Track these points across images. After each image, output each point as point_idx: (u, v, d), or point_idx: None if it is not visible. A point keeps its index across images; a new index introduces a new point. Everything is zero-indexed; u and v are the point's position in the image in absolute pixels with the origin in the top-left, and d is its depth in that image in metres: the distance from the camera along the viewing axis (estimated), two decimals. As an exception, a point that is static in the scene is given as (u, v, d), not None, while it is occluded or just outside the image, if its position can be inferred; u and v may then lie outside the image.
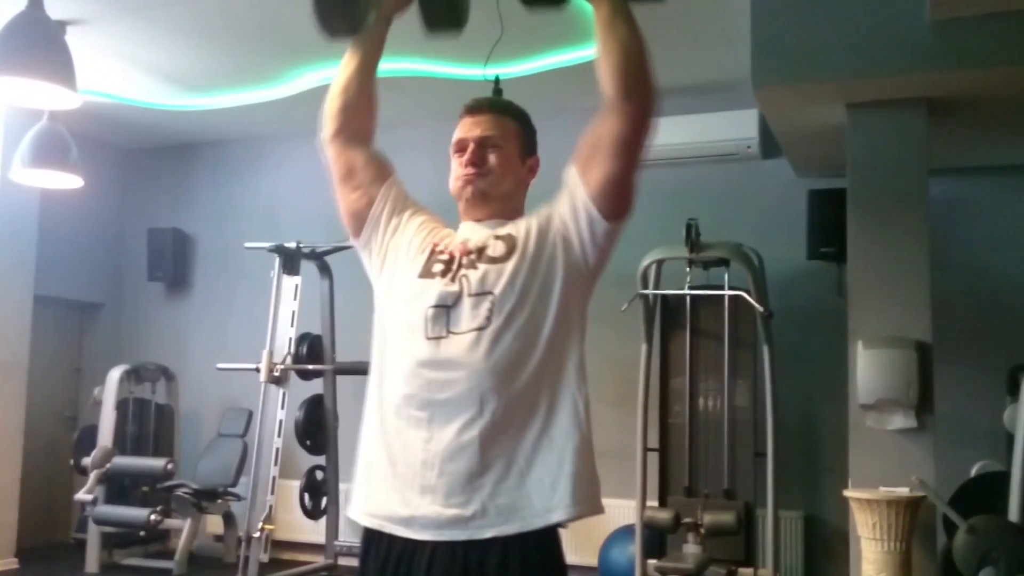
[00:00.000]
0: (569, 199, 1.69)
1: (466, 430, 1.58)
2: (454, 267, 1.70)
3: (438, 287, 1.68)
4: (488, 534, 1.57)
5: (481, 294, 1.64)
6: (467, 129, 1.78)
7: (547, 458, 1.59)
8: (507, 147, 1.77)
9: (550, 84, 4.94)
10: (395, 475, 1.64)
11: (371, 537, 1.68)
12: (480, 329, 1.61)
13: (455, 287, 1.66)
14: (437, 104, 5.21)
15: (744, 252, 4.39)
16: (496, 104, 1.84)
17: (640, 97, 1.63)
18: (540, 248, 1.68)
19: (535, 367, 1.62)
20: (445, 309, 1.65)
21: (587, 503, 1.62)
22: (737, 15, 3.98)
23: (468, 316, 1.63)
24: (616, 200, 1.67)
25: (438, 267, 1.71)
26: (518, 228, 1.72)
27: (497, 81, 4.21)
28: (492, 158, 1.76)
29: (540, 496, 1.58)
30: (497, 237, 1.71)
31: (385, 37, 1.90)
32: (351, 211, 1.85)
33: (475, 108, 1.80)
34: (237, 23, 4.57)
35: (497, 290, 1.64)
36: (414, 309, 1.68)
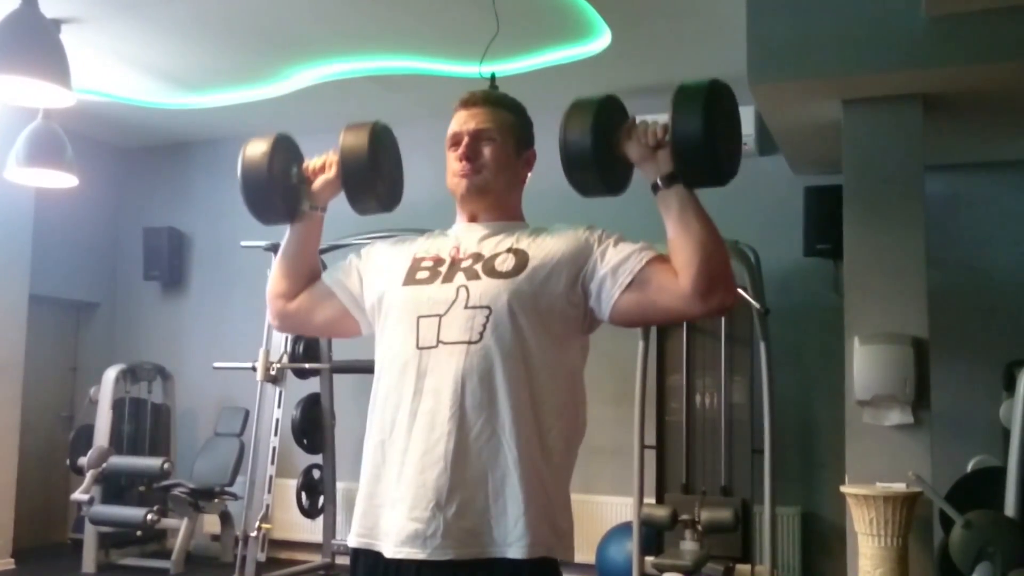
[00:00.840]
0: (596, 278, 1.63)
1: (440, 443, 1.55)
2: (444, 270, 1.67)
3: (427, 292, 1.65)
4: (447, 556, 1.53)
5: (478, 307, 1.60)
6: (461, 122, 1.75)
7: (515, 491, 1.54)
8: (502, 140, 1.74)
9: (546, 81, 4.93)
10: (379, 488, 1.62)
11: (357, 555, 1.66)
12: (471, 343, 1.58)
13: (451, 293, 1.63)
14: (433, 102, 5.20)
15: (740, 249, 4.40)
16: (490, 97, 1.80)
17: (720, 299, 1.57)
18: (551, 278, 1.62)
19: (520, 394, 1.57)
20: (437, 318, 1.61)
21: (545, 546, 1.56)
22: (733, 12, 3.97)
23: (461, 328, 1.59)
24: (630, 325, 1.69)
25: (423, 274, 1.69)
26: (534, 246, 1.67)
27: (493, 79, 4.21)
28: (487, 151, 1.72)
29: (500, 527, 1.54)
30: (511, 250, 1.67)
31: (321, 223, 1.90)
32: (355, 330, 1.85)
33: (469, 101, 1.77)
34: (232, 21, 4.56)
35: (495, 306, 1.59)
36: (403, 318, 1.66)
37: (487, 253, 1.67)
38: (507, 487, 1.55)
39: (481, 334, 1.58)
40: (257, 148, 1.86)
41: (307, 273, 1.88)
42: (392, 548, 1.57)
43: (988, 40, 3.56)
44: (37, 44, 3.50)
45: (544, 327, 1.61)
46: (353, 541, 1.65)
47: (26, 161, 4.50)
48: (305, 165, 1.89)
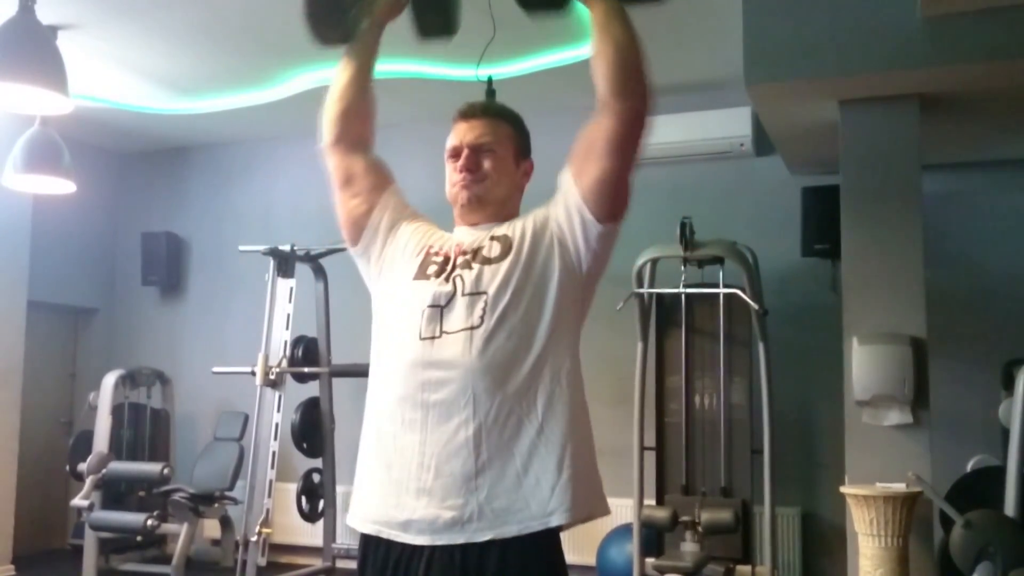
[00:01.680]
0: (563, 201, 1.69)
1: (460, 431, 1.58)
2: (448, 267, 1.70)
3: (432, 287, 1.68)
4: (485, 537, 1.56)
5: (475, 294, 1.64)
6: (461, 135, 1.78)
7: (544, 460, 1.58)
8: (501, 151, 1.77)
9: (543, 84, 4.94)
10: (391, 479, 1.63)
11: (368, 543, 1.67)
12: (473, 328, 1.61)
13: (449, 287, 1.66)
14: (430, 105, 5.20)
15: (738, 250, 4.40)
16: (489, 108, 1.84)
17: (634, 96, 1.63)
18: (535, 249, 1.68)
19: (529, 368, 1.61)
20: (439, 309, 1.64)
21: (586, 507, 1.61)
22: (729, 13, 3.98)
23: (461, 316, 1.63)
24: (609, 202, 1.66)
25: (432, 268, 1.71)
26: (514, 229, 1.72)
27: (490, 82, 4.21)
28: (487, 163, 1.76)
29: (537, 499, 1.57)
30: (493, 238, 1.71)
31: (379, 43, 1.90)
32: (350, 218, 1.84)
33: (468, 113, 1.80)
34: (229, 26, 4.56)
35: (491, 290, 1.63)
36: (409, 311, 1.68)
37: (475, 246, 1.72)
38: (535, 460, 1.58)
39: (482, 317, 1.62)
40: None
41: (366, 91, 1.87)
42: (426, 537, 1.58)
43: (984, 40, 3.56)
44: (34, 51, 3.50)
45: (542, 298, 1.65)
46: (366, 528, 1.67)
47: (24, 168, 4.50)
48: None
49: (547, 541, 1.59)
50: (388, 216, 1.82)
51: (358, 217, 1.83)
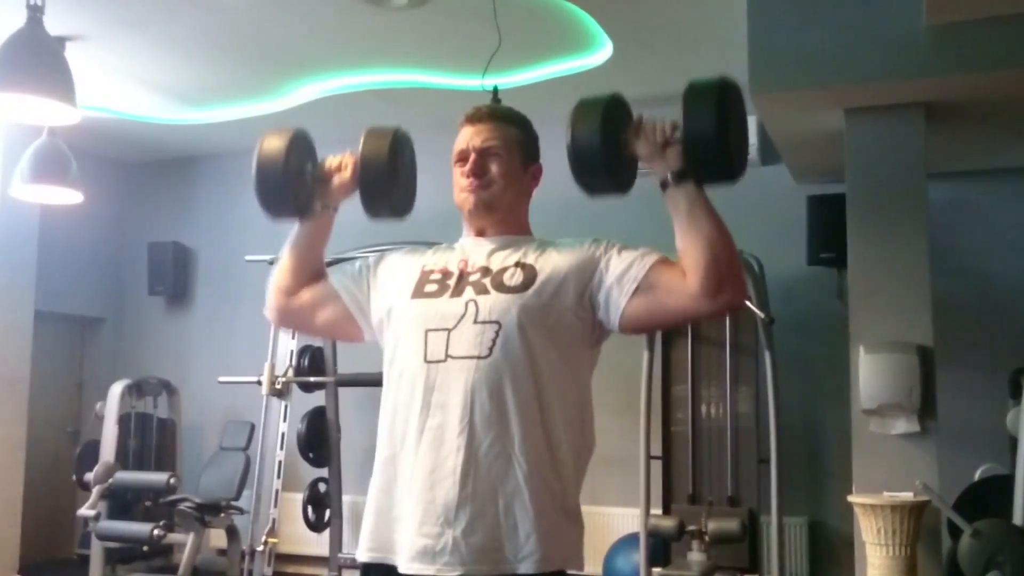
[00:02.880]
0: (603, 290, 1.63)
1: (450, 458, 1.55)
2: (452, 283, 1.67)
3: (436, 305, 1.65)
4: (455, 572, 1.53)
5: (488, 322, 1.60)
6: (467, 138, 1.75)
7: (526, 506, 1.54)
8: (508, 155, 1.74)
9: (549, 94, 4.94)
10: (390, 503, 1.62)
11: (369, 569, 1.66)
12: (480, 358, 1.57)
13: (459, 308, 1.63)
14: (436, 115, 5.18)
15: (744, 259, 4.39)
16: (496, 112, 1.81)
17: (728, 297, 1.57)
18: (559, 292, 1.63)
19: (529, 409, 1.57)
20: (446, 332, 1.61)
21: (556, 560, 1.57)
22: (734, 22, 3.98)
23: (470, 343, 1.59)
24: (639, 331, 1.68)
25: (432, 287, 1.68)
26: (542, 261, 1.67)
27: (496, 91, 4.22)
28: (493, 167, 1.73)
29: (512, 543, 1.54)
30: (519, 264, 1.66)
31: (331, 223, 1.89)
32: (357, 335, 1.83)
33: (475, 117, 1.77)
34: (235, 37, 4.58)
35: (505, 321, 1.59)
36: (411, 331, 1.65)
37: (495, 267, 1.67)
38: (517, 502, 1.55)
39: (491, 349, 1.58)
40: (274, 142, 1.84)
41: (313, 271, 1.87)
42: (404, 563, 1.57)
43: (989, 48, 3.56)
44: (42, 62, 3.51)
45: (553, 341, 1.61)
46: (363, 556, 1.65)
47: (31, 178, 4.51)
48: (321, 163, 1.87)
49: None
50: (363, 298, 1.80)
51: (360, 327, 1.81)
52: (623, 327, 1.63)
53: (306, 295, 1.86)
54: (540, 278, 1.64)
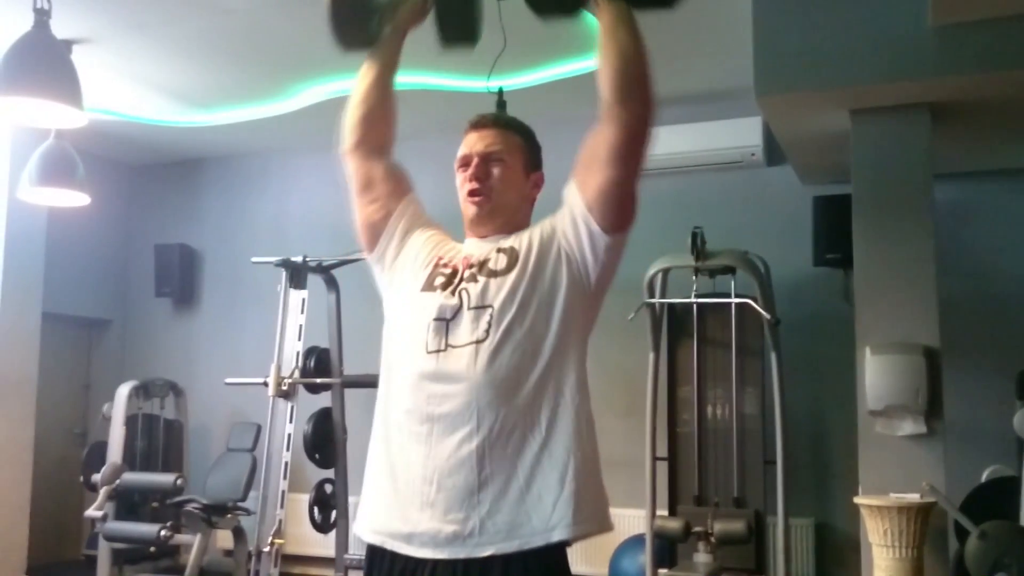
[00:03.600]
0: (569, 213, 1.68)
1: (464, 444, 1.58)
2: (455, 280, 1.70)
3: (439, 300, 1.68)
4: (487, 552, 1.55)
5: (480, 307, 1.63)
6: (471, 144, 1.78)
7: (548, 475, 1.57)
8: (511, 162, 1.77)
9: (554, 96, 4.95)
10: (396, 491, 1.64)
11: (374, 553, 1.68)
12: (478, 342, 1.61)
13: (455, 300, 1.66)
14: (440, 117, 5.21)
15: (750, 260, 4.39)
16: (500, 119, 1.84)
17: (637, 103, 1.61)
18: (541, 262, 1.67)
19: (535, 382, 1.60)
20: (445, 322, 1.64)
21: (589, 523, 1.59)
22: (739, 23, 3.98)
23: (467, 329, 1.62)
24: (615, 212, 1.64)
25: (440, 280, 1.71)
26: (520, 241, 1.71)
27: (501, 93, 4.22)
28: (496, 173, 1.75)
29: (540, 514, 1.56)
30: (500, 250, 1.71)
31: (401, 49, 1.91)
32: (368, 223, 1.85)
33: (479, 123, 1.81)
34: (241, 39, 4.59)
35: (496, 303, 1.63)
36: (416, 323, 1.68)
37: (482, 258, 1.71)
38: (538, 475, 1.58)
39: (487, 331, 1.61)
40: None
41: (385, 102, 1.90)
42: (429, 550, 1.58)
43: (994, 48, 3.56)
44: (49, 65, 3.53)
45: (548, 311, 1.64)
46: (372, 538, 1.67)
47: (39, 181, 4.53)
48: None
49: (551, 557, 1.58)
50: (403, 223, 1.83)
51: (375, 223, 1.84)
52: (593, 210, 1.64)
53: (389, 160, 1.88)
54: (521, 256, 1.68)
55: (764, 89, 3.87)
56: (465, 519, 1.56)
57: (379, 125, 1.89)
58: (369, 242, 1.85)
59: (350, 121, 1.88)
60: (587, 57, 4.67)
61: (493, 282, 1.66)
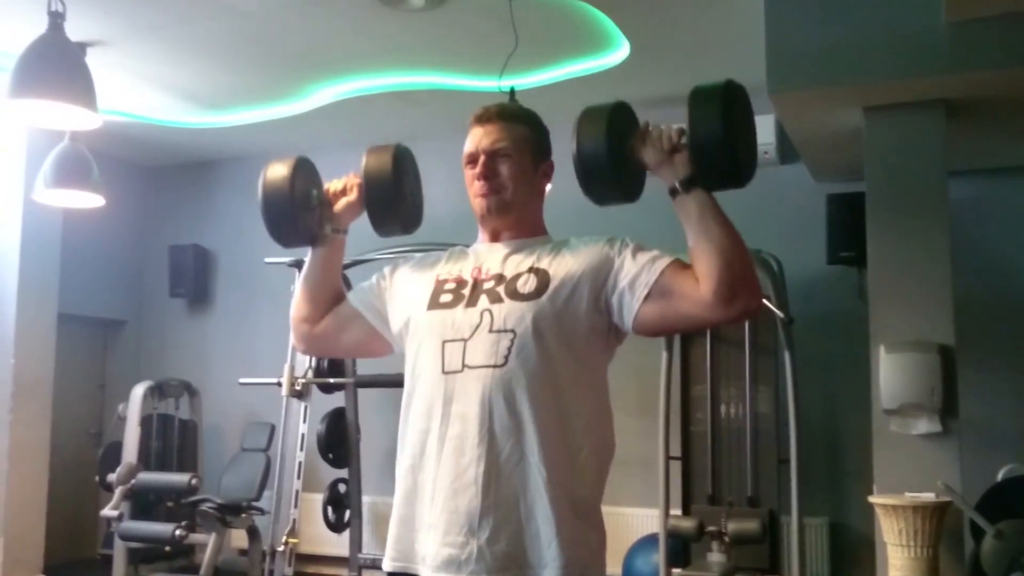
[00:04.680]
0: (616, 293, 1.62)
1: (470, 468, 1.56)
2: (467, 293, 1.67)
3: (452, 316, 1.65)
4: None
5: (502, 331, 1.60)
6: (476, 140, 1.74)
7: (547, 512, 1.55)
8: (518, 155, 1.73)
9: (566, 94, 4.94)
10: (412, 513, 1.63)
11: None
12: (496, 367, 1.58)
13: (474, 318, 1.63)
14: (454, 116, 5.19)
15: (763, 258, 4.38)
16: (504, 111, 1.79)
17: (743, 304, 1.55)
18: (572, 297, 1.62)
19: (549, 415, 1.57)
20: (462, 343, 1.61)
21: (578, 567, 1.56)
22: (751, 20, 3.97)
23: (486, 352, 1.59)
24: (653, 334, 1.67)
25: (446, 297, 1.68)
26: (555, 266, 1.66)
27: (512, 93, 4.22)
28: (504, 169, 1.72)
29: (534, 550, 1.55)
30: (532, 269, 1.66)
31: (343, 244, 1.90)
32: (384, 350, 1.84)
33: (483, 117, 1.76)
34: (254, 41, 4.61)
35: (519, 330, 1.59)
36: (429, 342, 1.66)
37: (509, 274, 1.67)
38: (538, 509, 1.55)
39: (506, 358, 1.58)
40: (278, 171, 1.84)
41: (331, 295, 1.88)
42: (429, 573, 1.58)
43: (1009, 44, 3.53)
44: (63, 68, 3.55)
45: (569, 346, 1.61)
46: (388, 566, 1.66)
47: (54, 183, 4.56)
48: (326, 188, 1.89)
49: None
50: (383, 312, 1.81)
51: (385, 342, 1.83)
52: (636, 330, 1.63)
53: (329, 321, 1.86)
54: (554, 284, 1.63)
55: (777, 87, 3.86)
56: (463, 544, 1.54)
57: (324, 310, 1.88)
58: (393, 344, 1.82)
59: (296, 315, 1.89)
60: (599, 56, 4.67)
61: (518, 306, 1.61)
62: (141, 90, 5.29)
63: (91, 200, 4.75)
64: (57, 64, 3.52)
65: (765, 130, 5.09)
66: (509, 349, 1.58)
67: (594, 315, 1.63)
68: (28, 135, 5.43)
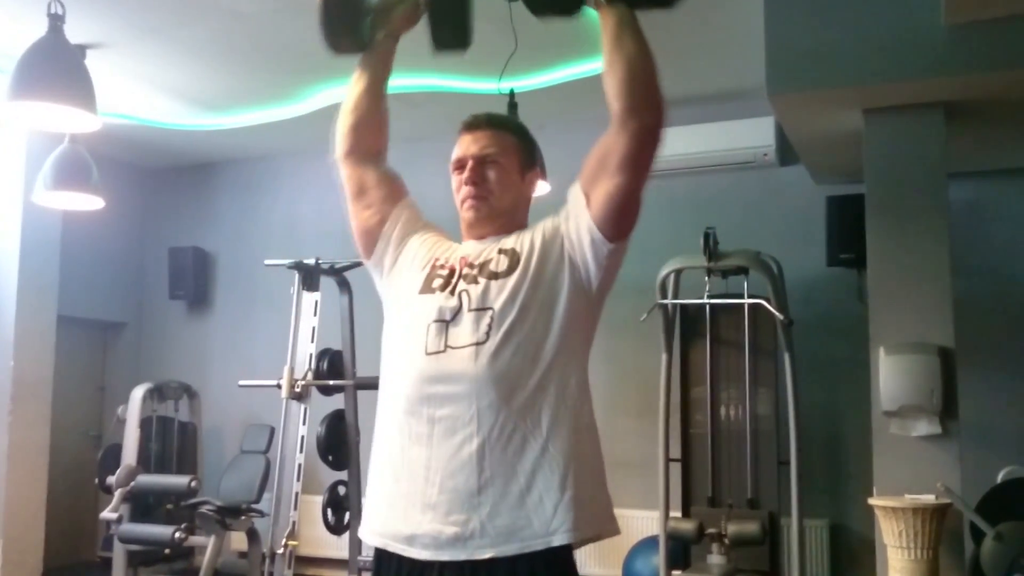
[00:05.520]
0: (573, 218, 1.67)
1: (464, 446, 1.57)
2: (454, 280, 1.69)
3: (438, 301, 1.67)
4: (487, 554, 1.55)
5: (481, 309, 1.63)
6: (465, 147, 1.78)
7: (548, 479, 1.56)
8: (506, 163, 1.76)
9: (565, 97, 4.95)
10: (399, 493, 1.64)
11: (381, 556, 1.68)
12: (479, 344, 1.60)
13: (455, 301, 1.66)
14: (453, 118, 5.19)
15: (763, 260, 4.38)
16: (494, 120, 1.82)
17: (647, 113, 1.59)
18: (543, 264, 1.66)
19: (535, 384, 1.60)
20: (444, 324, 1.64)
21: (591, 526, 1.58)
22: (751, 22, 3.97)
23: (468, 331, 1.62)
24: (620, 219, 1.64)
25: (438, 282, 1.71)
26: (522, 242, 1.70)
27: (512, 95, 4.22)
28: (491, 175, 1.75)
29: (540, 518, 1.55)
30: (501, 251, 1.70)
31: (393, 55, 1.90)
32: (363, 229, 1.85)
33: (472, 125, 1.79)
34: (254, 43, 4.61)
35: (497, 305, 1.63)
36: (415, 325, 1.67)
37: (481, 260, 1.71)
38: (539, 477, 1.57)
39: (487, 334, 1.61)
40: None
41: (376, 109, 1.89)
42: (430, 552, 1.58)
43: (1008, 47, 3.53)
44: (63, 70, 3.55)
45: (550, 314, 1.64)
46: (375, 541, 1.68)
47: (53, 185, 4.56)
48: None
49: (557, 559, 1.57)
50: (400, 228, 1.83)
51: (371, 228, 1.84)
52: (603, 230, 1.63)
53: (380, 167, 1.88)
54: (523, 258, 1.67)
55: (776, 89, 3.86)
56: (466, 521, 1.56)
57: (371, 132, 1.88)
58: (366, 248, 1.85)
59: (341, 128, 1.88)
60: (597, 59, 4.67)
61: (494, 284, 1.65)
62: (140, 92, 5.29)
63: (91, 202, 4.75)
64: (57, 66, 3.52)
65: (765, 132, 5.09)
66: (490, 325, 1.61)
67: (569, 274, 1.66)
68: (28, 137, 5.44)
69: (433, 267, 1.75)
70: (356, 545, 5.40)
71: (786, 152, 5.05)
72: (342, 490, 5.46)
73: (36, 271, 5.63)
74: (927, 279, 3.80)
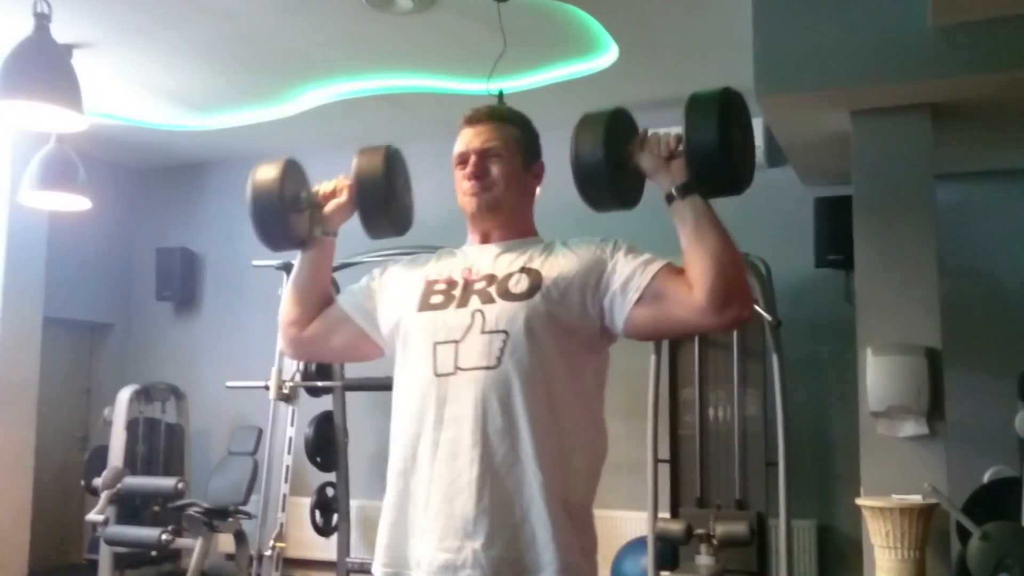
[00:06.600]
0: (608, 295, 1.61)
1: (465, 471, 1.54)
2: (458, 294, 1.65)
3: (443, 317, 1.64)
4: None
5: (495, 332, 1.58)
6: (467, 141, 1.74)
7: (542, 516, 1.54)
8: (509, 156, 1.73)
9: (554, 97, 4.95)
10: (404, 517, 1.62)
11: None
12: (489, 368, 1.56)
13: (465, 319, 1.61)
14: (443, 119, 5.21)
15: (751, 261, 4.39)
16: (495, 112, 1.79)
17: (741, 308, 1.55)
18: (563, 300, 1.61)
19: (543, 418, 1.56)
20: (454, 344, 1.60)
21: (575, 569, 1.56)
22: (739, 24, 3.98)
23: (478, 353, 1.58)
24: (644, 338, 1.68)
25: (437, 298, 1.67)
26: (548, 266, 1.65)
27: (501, 95, 4.22)
28: (495, 168, 1.71)
29: (530, 554, 1.53)
30: (524, 270, 1.65)
31: (332, 249, 1.88)
32: (375, 353, 1.83)
33: (473, 118, 1.76)
34: (242, 44, 4.59)
35: (512, 330, 1.58)
36: (420, 344, 1.64)
37: (500, 274, 1.66)
38: (533, 512, 1.54)
39: (499, 359, 1.56)
40: (267, 173, 1.83)
41: (320, 299, 1.86)
42: None
43: (995, 49, 3.55)
44: (49, 69, 3.53)
45: (562, 347, 1.60)
46: (379, 572, 1.64)
47: (40, 185, 4.54)
48: (315, 189, 1.87)
49: None
50: (373, 315, 1.79)
51: (376, 345, 1.81)
52: (628, 334, 1.62)
53: (318, 324, 1.85)
54: (546, 283, 1.61)
55: (764, 89, 3.87)
56: (459, 548, 1.53)
57: (317, 308, 1.86)
58: (384, 347, 1.80)
59: (286, 319, 1.86)
60: (587, 59, 4.67)
61: (510, 306, 1.60)
62: (128, 92, 5.27)
63: (77, 203, 4.73)
64: (43, 65, 3.50)
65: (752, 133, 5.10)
66: (502, 350, 1.57)
67: (585, 316, 1.62)
68: (13, 137, 5.41)
69: (426, 284, 1.71)
70: (344, 547, 5.39)
71: (774, 153, 5.06)
72: (330, 492, 5.45)
73: (22, 272, 5.60)
74: (914, 280, 3.81)
